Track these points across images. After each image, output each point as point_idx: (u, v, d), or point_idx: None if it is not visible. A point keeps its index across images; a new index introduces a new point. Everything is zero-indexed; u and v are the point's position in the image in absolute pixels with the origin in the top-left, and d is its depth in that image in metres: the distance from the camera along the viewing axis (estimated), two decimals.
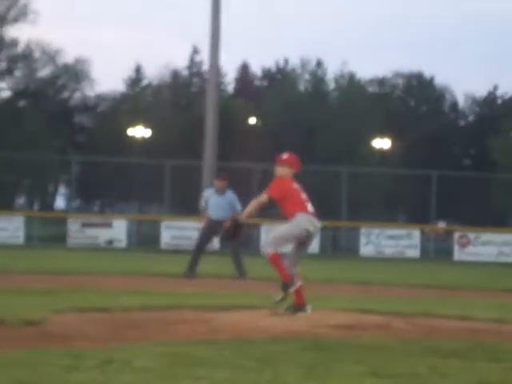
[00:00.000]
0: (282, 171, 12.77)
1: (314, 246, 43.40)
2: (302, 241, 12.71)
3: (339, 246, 49.11)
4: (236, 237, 14.22)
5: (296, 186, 12.80)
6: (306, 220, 12.53)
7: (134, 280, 22.35)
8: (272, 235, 13.15)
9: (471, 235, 45.04)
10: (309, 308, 12.53)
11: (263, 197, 12.48)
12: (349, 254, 45.39)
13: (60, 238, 44.42)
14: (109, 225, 45.68)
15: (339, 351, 9.17)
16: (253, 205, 12.78)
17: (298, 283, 12.63)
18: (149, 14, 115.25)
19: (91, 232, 44.46)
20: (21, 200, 69.67)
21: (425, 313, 14.20)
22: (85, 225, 45.03)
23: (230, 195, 23.90)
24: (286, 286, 12.37)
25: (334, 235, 49.60)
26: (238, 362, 8.19)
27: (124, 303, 14.01)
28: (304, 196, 12.82)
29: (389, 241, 45.54)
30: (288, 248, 12.92)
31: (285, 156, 13.12)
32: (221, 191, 23.70)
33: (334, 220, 48.12)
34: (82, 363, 7.69)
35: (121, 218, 49.23)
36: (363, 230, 46.74)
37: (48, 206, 68.80)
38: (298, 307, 12.44)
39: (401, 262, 39.01)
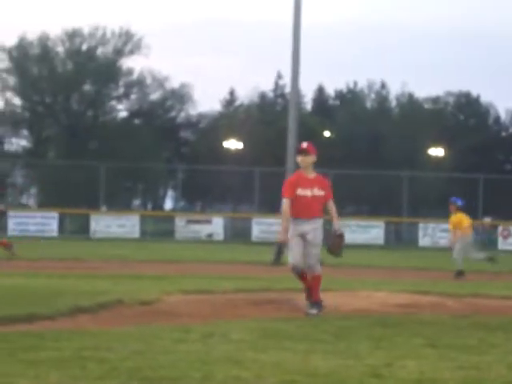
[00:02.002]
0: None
1: (380, 238, 43.75)
2: None
3: (401, 238, 48.85)
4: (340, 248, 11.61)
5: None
6: None
7: (229, 267, 22.47)
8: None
9: None
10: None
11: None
12: (409, 245, 44.85)
13: (169, 233, 44.66)
14: (209, 221, 45.72)
15: (401, 326, 9.09)
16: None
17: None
18: (240, 44, 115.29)
19: (194, 227, 44.55)
20: (137, 202, 70.51)
21: (473, 293, 13.81)
22: (189, 221, 45.29)
23: None
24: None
25: (397, 229, 50.00)
26: (316, 336, 8.16)
27: (222, 286, 13.88)
28: None
29: (443, 233, 44.45)
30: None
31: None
32: None
33: (397, 216, 49.31)
34: (187, 336, 7.84)
35: (218, 215, 49.39)
36: (421, 225, 46.54)
37: (159, 206, 69.20)
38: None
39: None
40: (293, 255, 10.61)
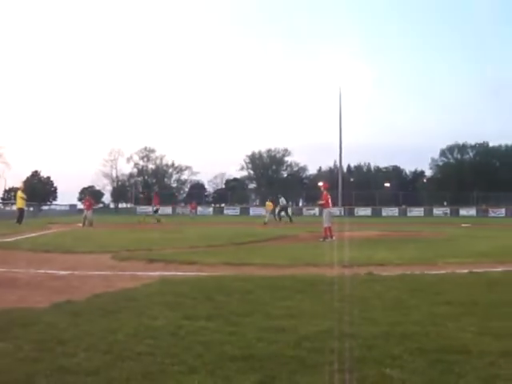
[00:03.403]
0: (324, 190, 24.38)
1: None
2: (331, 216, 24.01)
3: None
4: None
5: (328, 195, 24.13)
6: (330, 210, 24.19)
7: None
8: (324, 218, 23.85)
9: None
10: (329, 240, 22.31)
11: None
12: None
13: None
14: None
15: (378, 242, 21.48)
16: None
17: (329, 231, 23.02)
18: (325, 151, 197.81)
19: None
20: None
21: (400, 230, 31.98)
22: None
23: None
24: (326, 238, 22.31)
25: None
26: (348, 246, 17.77)
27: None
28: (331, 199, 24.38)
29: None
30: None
31: (324, 184, 25.78)
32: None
33: None
34: (306, 246, 19.86)
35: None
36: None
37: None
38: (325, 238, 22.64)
39: None
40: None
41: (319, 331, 6.71)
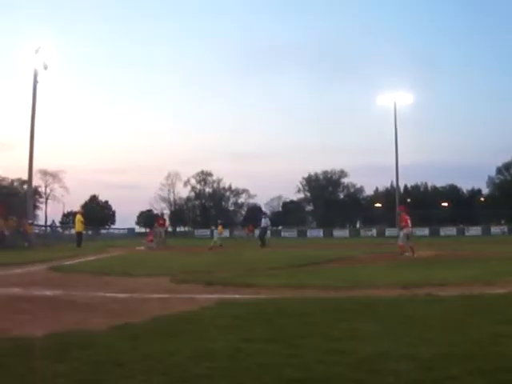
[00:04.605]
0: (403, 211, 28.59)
1: None
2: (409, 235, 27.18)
3: None
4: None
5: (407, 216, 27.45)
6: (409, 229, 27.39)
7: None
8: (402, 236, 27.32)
9: None
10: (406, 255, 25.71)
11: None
12: None
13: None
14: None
15: (436, 261, 22.88)
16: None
17: (408, 250, 26.19)
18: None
19: None
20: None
21: (451, 249, 32.94)
22: None
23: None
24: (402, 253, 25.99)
25: None
26: (412, 263, 22.06)
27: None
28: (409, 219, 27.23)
29: None
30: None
31: (403, 207, 31.65)
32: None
33: None
34: (362, 267, 25.49)
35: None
36: None
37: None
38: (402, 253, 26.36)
39: None
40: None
41: (379, 353, 6.68)
